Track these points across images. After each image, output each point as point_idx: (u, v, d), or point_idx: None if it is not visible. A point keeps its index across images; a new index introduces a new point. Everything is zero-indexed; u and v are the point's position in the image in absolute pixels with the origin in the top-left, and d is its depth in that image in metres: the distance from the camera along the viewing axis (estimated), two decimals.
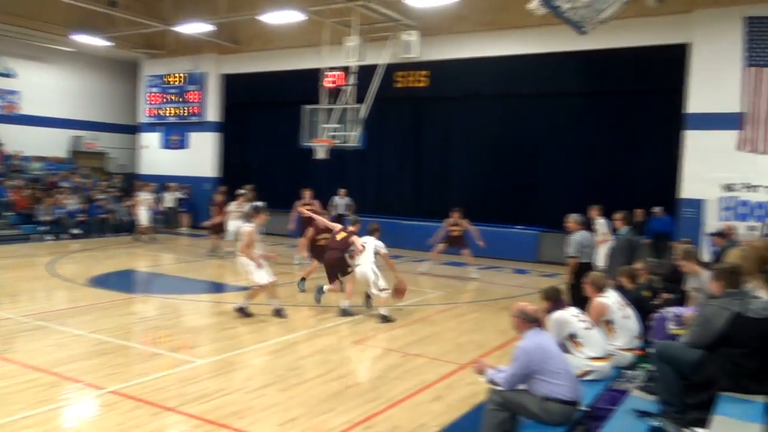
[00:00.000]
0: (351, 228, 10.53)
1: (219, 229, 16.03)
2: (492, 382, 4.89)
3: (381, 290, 9.70)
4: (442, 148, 19.01)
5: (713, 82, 14.19)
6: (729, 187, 14.05)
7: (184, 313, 10.41)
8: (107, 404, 5.96)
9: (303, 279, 11.81)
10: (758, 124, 13.78)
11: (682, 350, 4.75)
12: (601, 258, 10.19)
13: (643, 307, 6.96)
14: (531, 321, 4.90)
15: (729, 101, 14.03)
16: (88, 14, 19.54)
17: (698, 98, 14.45)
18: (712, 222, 13.81)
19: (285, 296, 11.29)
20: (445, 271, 14.79)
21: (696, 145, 14.47)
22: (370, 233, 10.44)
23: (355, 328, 9.21)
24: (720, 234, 10.30)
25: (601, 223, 11.12)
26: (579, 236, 9.34)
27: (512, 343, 8.50)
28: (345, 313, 9.83)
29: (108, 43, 20.93)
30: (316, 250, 11.89)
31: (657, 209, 14.86)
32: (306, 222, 13.18)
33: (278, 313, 9.64)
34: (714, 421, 4.01)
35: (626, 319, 6.26)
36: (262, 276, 9.47)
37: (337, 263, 10.24)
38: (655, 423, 4.42)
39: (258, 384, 6.62)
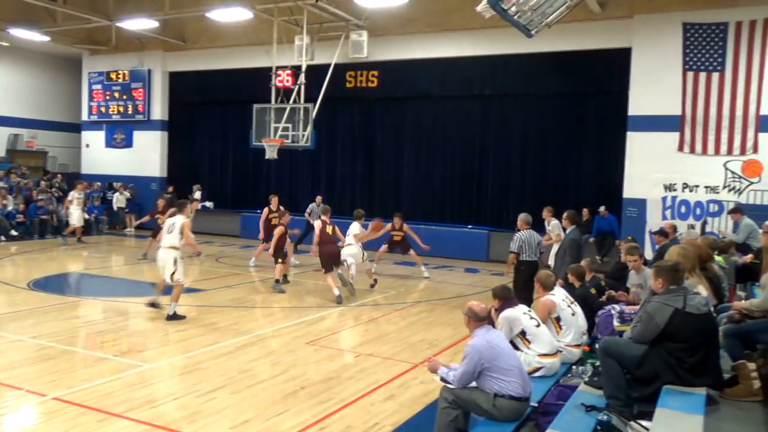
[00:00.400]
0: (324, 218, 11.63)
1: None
2: (444, 380, 4.94)
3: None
4: (393, 148, 19.08)
5: (654, 85, 14.68)
6: (670, 187, 14.59)
7: (130, 316, 10.12)
8: (50, 411, 5.76)
9: (277, 281, 11.75)
10: (696, 126, 14.34)
11: (627, 346, 4.89)
12: (551, 257, 10.44)
13: (589, 305, 7.15)
14: (480, 319, 4.97)
15: (669, 104, 14.54)
16: (27, 7, 18.77)
17: (640, 101, 14.93)
18: (655, 221, 14.31)
19: (238, 297, 11.16)
20: (397, 270, 14.86)
21: (638, 147, 14.94)
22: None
23: (308, 329, 9.16)
24: (662, 232, 10.66)
25: (554, 224, 11.35)
26: (523, 234, 9.51)
27: (464, 341, 8.62)
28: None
29: (46, 38, 20.20)
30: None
31: (602, 209, 15.29)
32: (271, 228, 13.13)
33: (154, 305, 9.56)
34: (657, 414, 4.15)
35: (573, 316, 6.42)
36: (181, 273, 9.32)
37: (335, 255, 11.17)
38: (602, 416, 4.54)
39: (208, 387, 6.51)
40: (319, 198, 16.46)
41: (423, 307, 11.15)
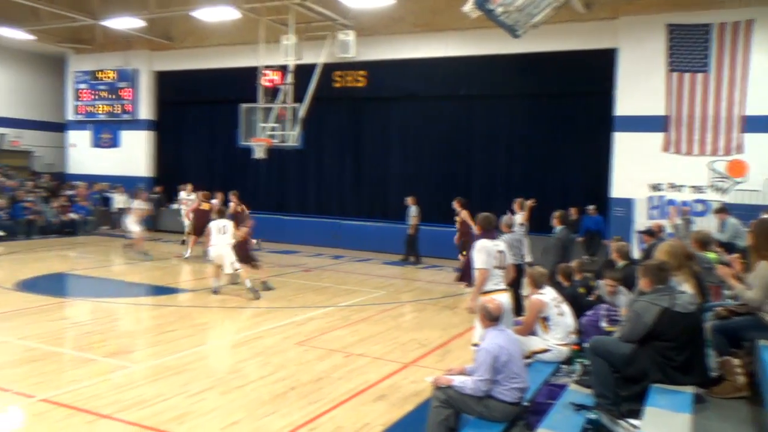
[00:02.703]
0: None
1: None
2: (460, 391, 4.78)
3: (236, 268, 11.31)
4: (381, 147, 19.11)
5: (639, 85, 14.81)
6: (656, 187, 14.73)
7: (118, 317, 10.08)
8: (38, 413, 5.72)
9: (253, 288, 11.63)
10: (681, 127, 14.48)
11: (615, 345, 4.94)
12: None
13: (578, 304, 7.19)
14: (493, 319, 4.94)
15: (654, 105, 14.67)
16: (10, 6, 18.56)
17: (625, 101, 15.05)
18: (641, 220, 14.43)
19: (226, 298, 11.12)
20: (386, 271, 14.88)
21: (625, 147, 15.06)
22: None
23: (297, 329, 9.15)
24: (649, 232, 10.74)
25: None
26: (505, 237, 9.51)
27: (454, 341, 8.69)
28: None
29: (31, 37, 20.00)
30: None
31: (590, 208, 15.40)
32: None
33: (216, 292, 11.28)
34: (646, 412, 4.20)
35: (561, 316, 6.48)
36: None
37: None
38: (592, 415, 4.59)
39: (198, 388, 6.50)
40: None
41: (413, 307, 11.18)
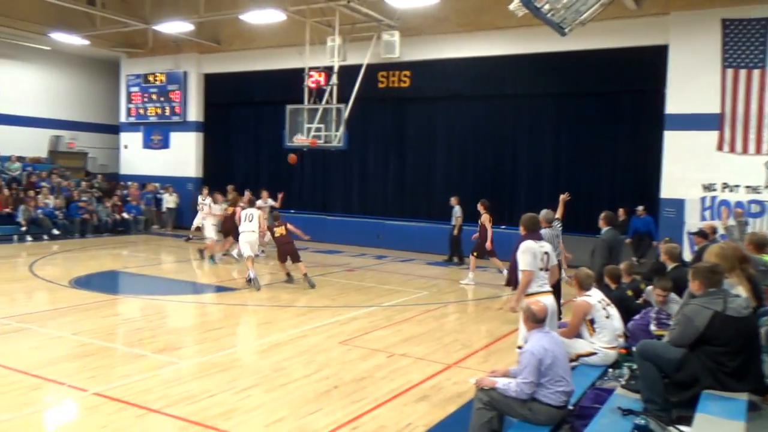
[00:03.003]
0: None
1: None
2: (504, 393, 4.73)
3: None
4: (425, 147, 19.06)
5: (692, 83, 14.39)
6: (709, 187, 14.27)
7: (167, 314, 10.34)
8: (91, 406, 5.90)
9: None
10: (736, 124, 14.00)
11: (665, 349, 4.81)
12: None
13: (626, 307, 7.03)
14: (538, 321, 4.87)
15: (708, 102, 14.23)
16: (67, 12, 19.30)
17: (677, 99, 14.64)
18: (693, 222, 14.01)
19: (271, 296, 11.29)
20: (429, 271, 14.84)
21: (676, 146, 14.65)
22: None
23: (340, 329, 9.21)
24: (701, 233, 10.42)
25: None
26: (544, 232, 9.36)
27: (498, 342, 8.61)
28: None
29: (86, 42, 20.69)
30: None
31: (639, 209, 15.04)
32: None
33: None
34: (697, 419, 4.07)
35: (608, 318, 6.34)
36: None
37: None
38: (640, 421, 4.48)
39: (244, 385, 6.60)
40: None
41: (456, 308, 11.12)
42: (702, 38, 14.23)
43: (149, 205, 21.98)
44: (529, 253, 6.29)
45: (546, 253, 6.45)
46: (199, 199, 16.29)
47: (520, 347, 6.29)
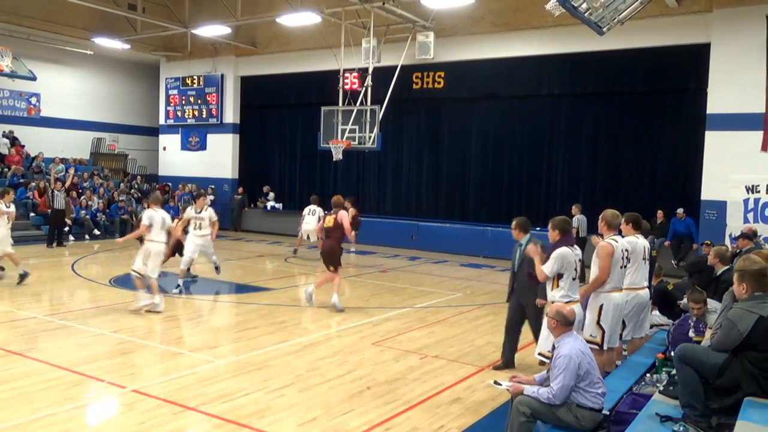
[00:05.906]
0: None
1: None
2: (538, 399, 4.65)
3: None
4: (460, 149, 18.98)
5: (735, 82, 14.02)
6: (752, 189, 13.87)
7: (203, 313, 10.51)
8: (129, 403, 6.03)
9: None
10: None
11: (705, 353, 4.68)
12: None
13: (667, 300, 6.89)
14: (569, 324, 4.81)
15: (752, 101, 13.85)
16: (108, 17, 19.80)
17: (720, 98, 14.29)
18: (735, 224, 13.64)
19: (297, 298, 11.35)
20: (463, 273, 14.76)
21: (718, 146, 14.31)
22: None
23: (373, 330, 9.22)
24: (744, 236, 10.13)
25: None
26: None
27: (530, 346, 8.49)
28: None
29: (127, 46, 21.17)
30: None
31: (679, 211, 14.71)
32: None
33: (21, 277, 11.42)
34: (739, 427, 3.95)
35: (622, 269, 6.30)
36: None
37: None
38: (678, 428, 4.37)
39: (278, 384, 6.66)
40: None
41: (489, 310, 11.03)
42: (746, 35, 13.86)
43: (186, 206, 22.27)
44: (562, 259, 6.00)
45: (581, 260, 6.23)
46: (307, 211, 15.57)
47: (541, 355, 6.19)
